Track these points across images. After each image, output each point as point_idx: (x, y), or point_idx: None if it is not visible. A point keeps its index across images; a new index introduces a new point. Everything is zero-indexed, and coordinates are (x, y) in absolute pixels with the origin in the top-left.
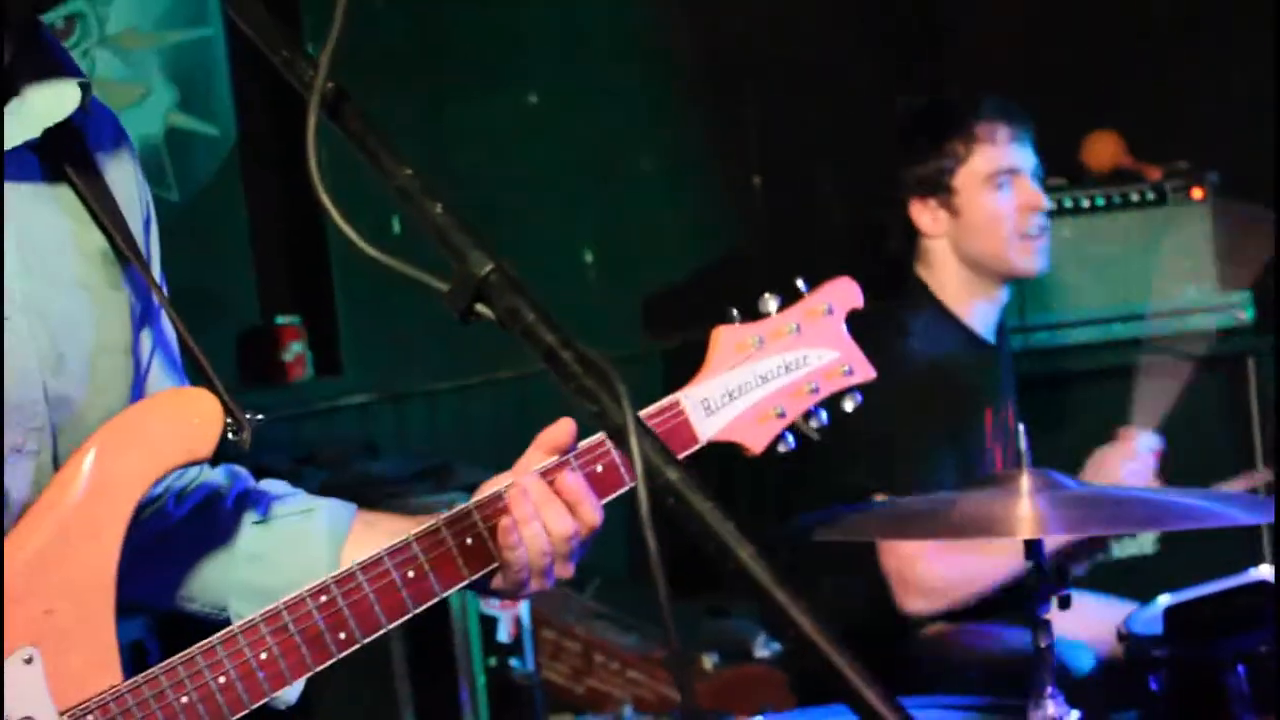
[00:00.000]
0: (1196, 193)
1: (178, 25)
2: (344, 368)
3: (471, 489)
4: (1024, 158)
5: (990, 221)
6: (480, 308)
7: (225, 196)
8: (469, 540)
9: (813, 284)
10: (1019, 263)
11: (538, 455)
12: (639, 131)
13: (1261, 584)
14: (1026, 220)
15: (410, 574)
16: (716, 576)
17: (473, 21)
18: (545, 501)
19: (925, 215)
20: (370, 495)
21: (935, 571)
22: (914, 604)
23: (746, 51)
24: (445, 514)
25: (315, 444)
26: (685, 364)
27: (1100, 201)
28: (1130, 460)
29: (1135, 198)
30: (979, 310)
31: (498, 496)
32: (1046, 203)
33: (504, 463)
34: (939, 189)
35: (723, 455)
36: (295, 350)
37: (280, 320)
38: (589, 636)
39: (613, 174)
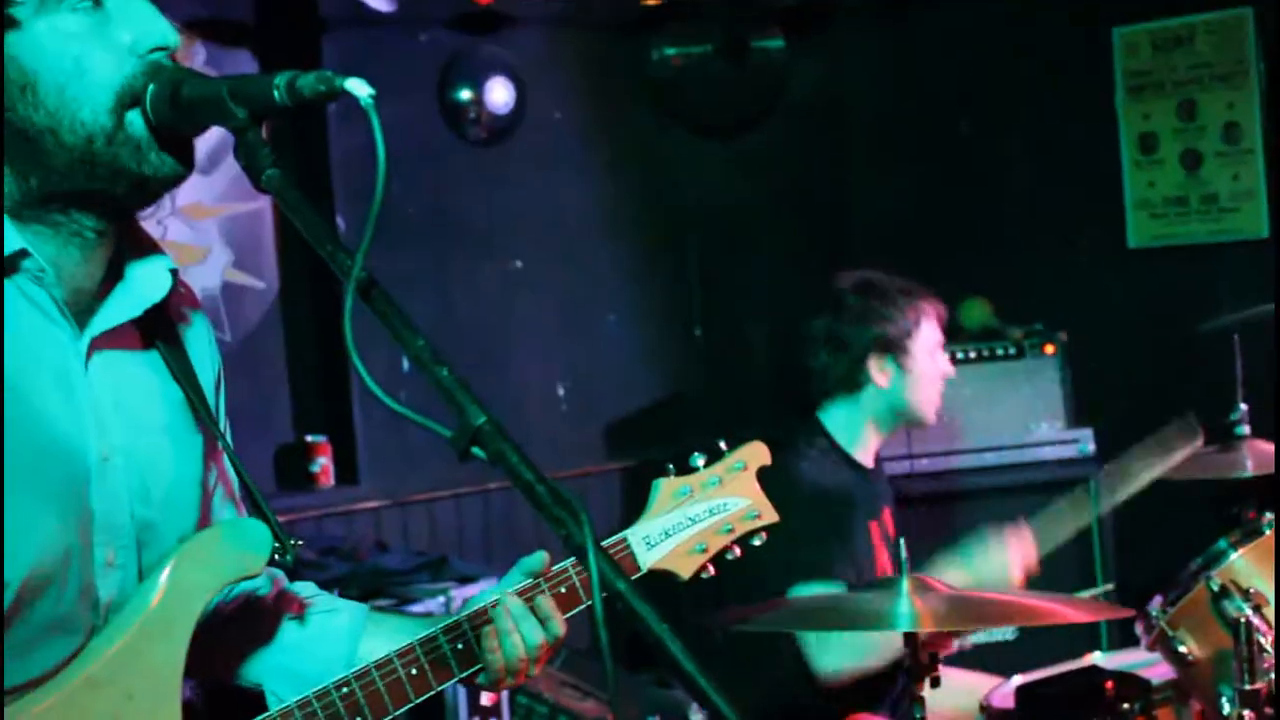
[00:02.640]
0: (1049, 349)
1: (234, 200)
2: (360, 478)
3: (462, 580)
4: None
5: (928, 383)
6: (475, 450)
7: (269, 337)
8: (460, 645)
9: (739, 423)
10: (929, 417)
11: (517, 576)
12: (604, 291)
13: (1094, 668)
14: (944, 384)
15: (413, 671)
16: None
17: (472, 201)
18: (523, 617)
19: (878, 374)
20: (380, 582)
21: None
22: (823, 663)
23: (690, 228)
24: (443, 624)
25: (337, 539)
26: (638, 480)
27: (972, 354)
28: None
29: (1000, 352)
30: (867, 448)
31: (484, 611)
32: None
33: (490, 560)
34: (896, 352)
35: None
36: (321, 463)
37: (310, 438)
38: (555, 701)
39: (582, 324)
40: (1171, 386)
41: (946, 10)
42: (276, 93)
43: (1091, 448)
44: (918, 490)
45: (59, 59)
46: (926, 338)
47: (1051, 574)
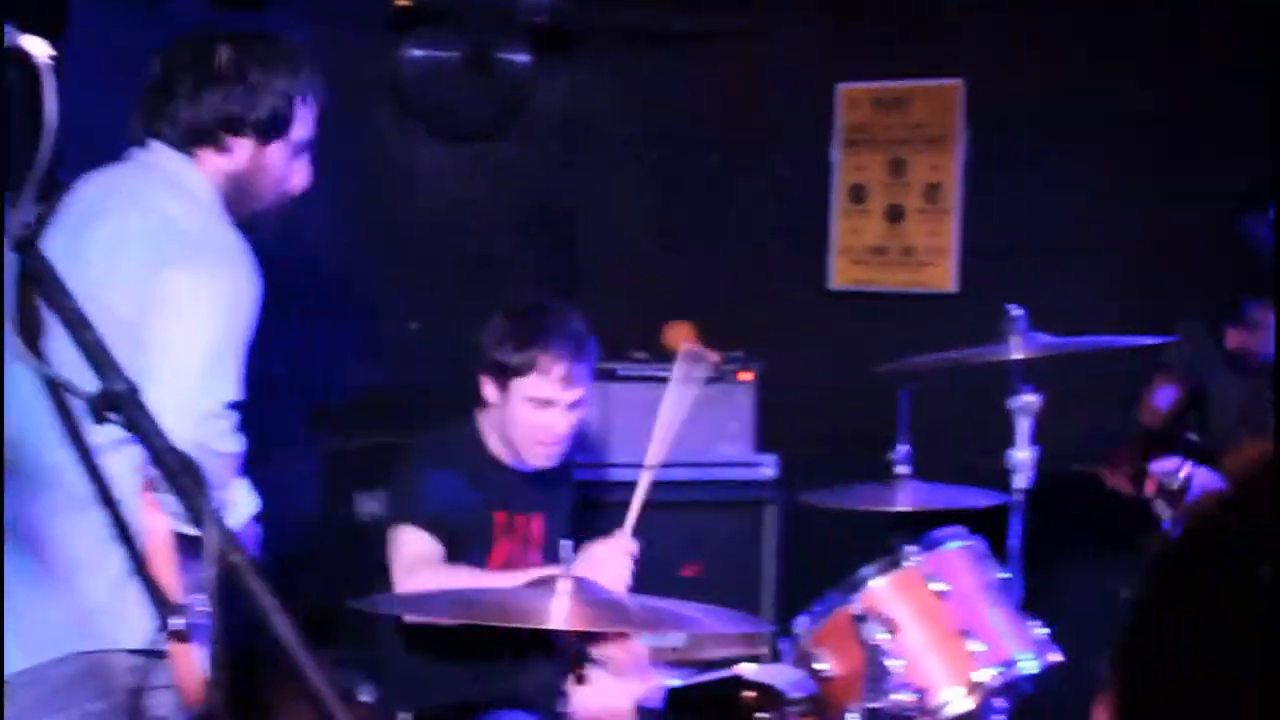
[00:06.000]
0: (745, 375)
1: None
2: None
3: None
4: (567, 395)
5: (518, 424)
6: (111, 414)
7: None
8: None
9: (426, 415)
10: (526, 456)
11: None
12: (330, 278)
13: (737, 678)
14: (543, 435)
15: None
16: (334, 635)
17: None
18: None
19: (488, 389)
20: None
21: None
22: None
23: (423, 227)
24: None
25: None
26: (339, 462)
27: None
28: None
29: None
30: (509, 455)
31: None
32: (567, 431)
33: None
34: (500, 381)
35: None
36: None
37: None
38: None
39: (304, 310)
40: (852, 422)
41: (687, 46)
42: None
43: (772, 473)
44: (607, 499)
45: None
46: (529, 386)
47: (720, 592)
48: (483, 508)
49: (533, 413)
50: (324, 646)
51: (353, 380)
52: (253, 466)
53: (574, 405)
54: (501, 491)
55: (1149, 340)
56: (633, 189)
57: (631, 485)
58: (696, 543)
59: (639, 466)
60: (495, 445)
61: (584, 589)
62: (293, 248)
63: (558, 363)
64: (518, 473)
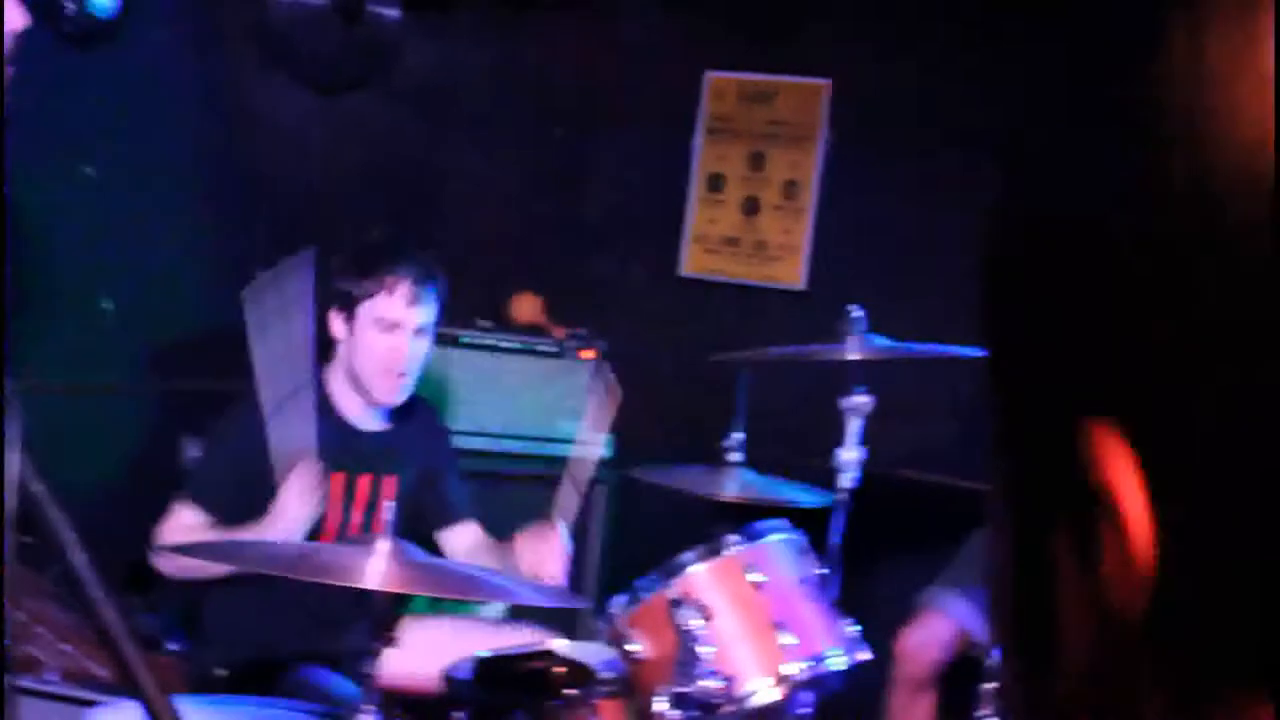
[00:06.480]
0: (588, 353)
1: None
2: None
3: None
4: (412, 315)
5: (365, 352)
6: None
7: None
8: None
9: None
10: (375, 391)
11: None
12: (174, 217)
13: (550, 653)
14: (390, 362)
15: None
16: (148, 581)
17: (52, 99)
18: None
19: (335, 324)
20: None
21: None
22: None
23: (276, 175)
24: None
25: None
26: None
27: (516, 346)
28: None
29: (542, 348)
30: (358, 408)
31: None
32: (413, 358)
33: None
34: (346, 310)
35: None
36: None
37: None
38: (35, 609)
39: (144, 246)
40: (688, 408)
41: (560, 17)
42: None
43: (608, 452)
44: None
45: None
46: (375, 307)
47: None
48: (323, 469)
49: (379, 337)
50: (136, 592)
51: (195, 323)
52: (82, 400)
53: (419, 331)
54: (343, 453)
55: (982, 352)
56: (492, 156)
57: (471, 453)
58: (526, 516)
59: (479, 434)
60: (342, 398)
61: (405, 552)
62: (144, 186)
63: (403, 283)
64: (364, 433)
